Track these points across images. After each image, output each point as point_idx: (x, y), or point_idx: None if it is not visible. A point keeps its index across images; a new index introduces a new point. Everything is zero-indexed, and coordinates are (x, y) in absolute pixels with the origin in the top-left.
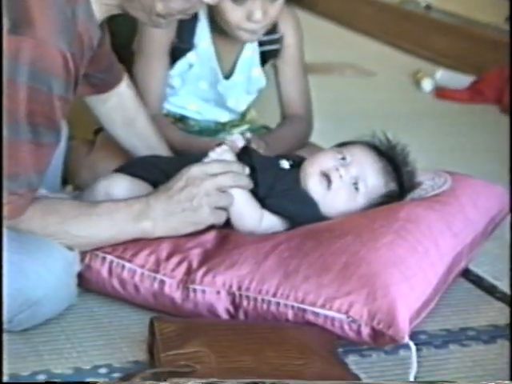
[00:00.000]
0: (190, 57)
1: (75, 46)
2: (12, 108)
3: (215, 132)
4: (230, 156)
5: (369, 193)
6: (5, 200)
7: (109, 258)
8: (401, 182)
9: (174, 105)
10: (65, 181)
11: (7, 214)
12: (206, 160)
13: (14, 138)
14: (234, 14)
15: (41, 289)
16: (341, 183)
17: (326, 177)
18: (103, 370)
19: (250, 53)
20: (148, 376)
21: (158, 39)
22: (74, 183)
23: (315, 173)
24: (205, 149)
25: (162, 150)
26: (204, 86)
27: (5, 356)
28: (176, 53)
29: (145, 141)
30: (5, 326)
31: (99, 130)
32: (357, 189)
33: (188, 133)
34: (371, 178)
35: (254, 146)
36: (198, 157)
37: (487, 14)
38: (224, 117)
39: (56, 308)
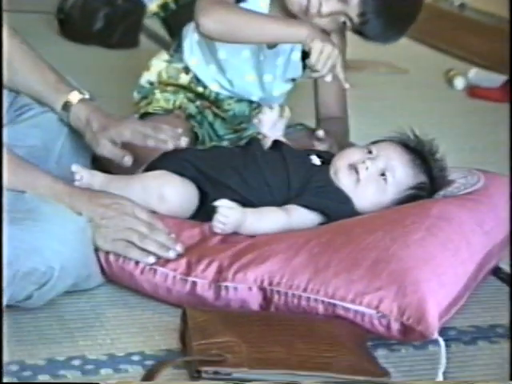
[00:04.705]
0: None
1: None
2: None
3: (249, 119)
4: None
5: (398, 183)
6: None
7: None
8: (431, 176)
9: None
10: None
11: None
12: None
13: None
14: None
15: (56, 263)
16: (368, 175)
17: (354, 169)
18: (136, 358)
19: None
20: (180, 364)
21: None
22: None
23: (344, 166)
24: None
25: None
26: (246, 53)
27: (41, 340)
28: None
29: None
30: (26, 302)
31: (145, 114)
32: (385, 180)
33: (221, 119)
34: (399, 169)
35: (325, 143)
36: (226, 150)
37: None
38: (256, 94)
39: (75, 276)
